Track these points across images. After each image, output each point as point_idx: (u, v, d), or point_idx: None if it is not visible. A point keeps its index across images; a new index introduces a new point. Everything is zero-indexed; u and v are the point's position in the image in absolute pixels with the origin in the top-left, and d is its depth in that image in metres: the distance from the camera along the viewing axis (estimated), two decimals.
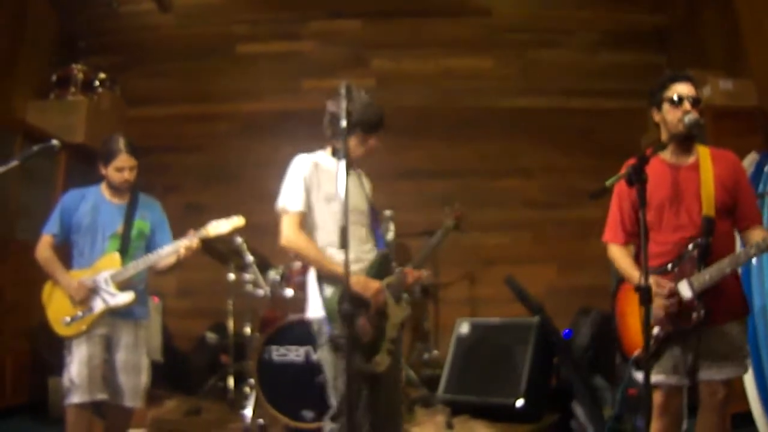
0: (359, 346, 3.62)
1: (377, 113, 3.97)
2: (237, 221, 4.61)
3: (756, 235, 3.54)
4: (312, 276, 3.88)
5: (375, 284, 3.81)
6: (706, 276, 3.43)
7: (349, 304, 3.22)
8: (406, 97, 8.08)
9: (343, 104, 3.44)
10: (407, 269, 4.10)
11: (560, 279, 7.80)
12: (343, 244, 3.17)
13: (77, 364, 4.28)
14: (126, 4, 8.15)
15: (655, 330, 3.53)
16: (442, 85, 8.30)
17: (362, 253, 3.94)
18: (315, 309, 3.83)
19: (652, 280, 3.48)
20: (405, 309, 4.04)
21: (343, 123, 3.40)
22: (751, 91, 6.23)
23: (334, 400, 3.75)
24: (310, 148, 4.09)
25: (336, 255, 3.70)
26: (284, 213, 3.83)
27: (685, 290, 3.47)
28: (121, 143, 4.51)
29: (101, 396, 4.32)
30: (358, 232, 3.95)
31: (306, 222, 3.87)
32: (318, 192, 3.86)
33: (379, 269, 3.94)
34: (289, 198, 3.83)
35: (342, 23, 8.43)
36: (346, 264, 3.20)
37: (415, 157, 8.09)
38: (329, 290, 3.75)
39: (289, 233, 3.79)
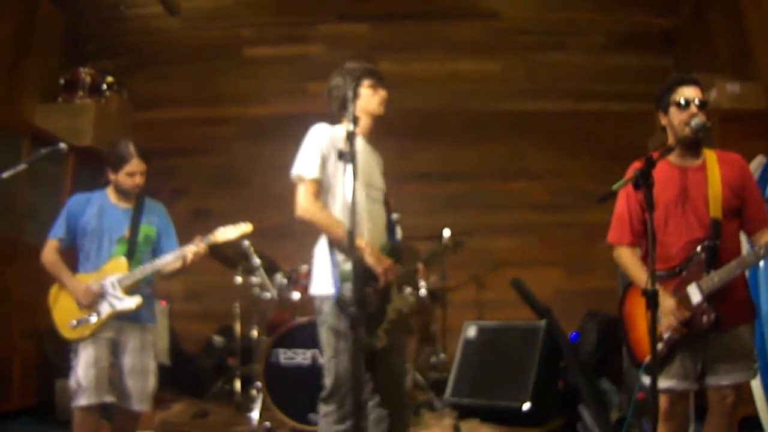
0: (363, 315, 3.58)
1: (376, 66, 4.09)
2: (244, 228, 4.61)
3: (765, 236, 3.53)
4: (321, 249, 3.83)
5: (388, 261, 3.74)
6: (715, 278, 3.42)
7: (360, 271, 3.21)
8: (413, 100, 8.08)
9: (351, 108, 3.44)
10: (419, 265, 4.11)
11: (567, 282, 7.80)
12: (351, 219, 3.13)
13: (84, 367, 4.28)
14: (134, 8, 8.17)
15: (666, 334, 3.52)
16: (449, 87, 8.31)
17: (378, 228, 3.91)
18: (319, 285, 3.78)
19: (673, 303, 3.47)
20: (407, 299, 4.02)
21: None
22: (758, 94, 6.21)
23: (328, 381, 3.70)
24: None
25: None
26: (300, 181, 3.76)
27: (694, 294, 3.46)
28: (132, 148, 4.52)
29: (108, 398, 4.33)
30: (375, 208, 3.92)
31: (322, 191, 3.79)
32: (335, 161, 3.74)
33: (388, 256, 3.88)
34: (305, 165, 3.77)
35: (349, 26, 8.44)
36: (350, 245, 3.15)
37: (422, 160, 8.10)
38: (341, 256, 3.69)
39: (304, 202, 3.72)
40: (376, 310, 3.73)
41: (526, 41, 8.31)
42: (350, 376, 3.36)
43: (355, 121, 3.25)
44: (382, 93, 4.01)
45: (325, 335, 3.75)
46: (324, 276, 3.76)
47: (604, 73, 8.23)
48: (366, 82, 3.96)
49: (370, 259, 3.64)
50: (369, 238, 3.77)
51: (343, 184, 3.67)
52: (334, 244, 3.74)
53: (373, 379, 3.76)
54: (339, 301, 3.61)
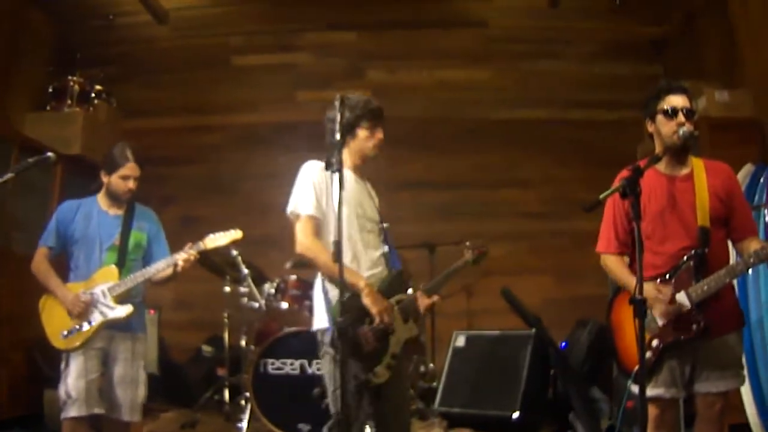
0: (360, 354, 3.59)
1: (378, 104, 3.97)
2: (234, 234, 4.60)
3: (753, 244, 3.52)
4: (318, 286, 3.84)
5: (385, 303, 3.73)
6: (704, 286, 3.42)
7: (354, 302, 3.20)
8: (402, 109, 8.08)
9: (338, 117, 3.43)
10: (419, 293, 4.05)
11: (557, 290, 7.79)
12: (337, 257, 3.14)
13: (74, 378, 4.25)
14: (123, 16, 8.17)
15: (655, 342, 3.52)
16: (438, 96, 8.31)
17: (375, 259, 3.91)
18: (319, 320, 3.79)
19: (652, 286, 3.47)
20: (412, 329, 3.98)
21: (338, 136, 3.38)
22: (746, 103, 6.22)
23: (333, 411, 3.70)
24: (305, 160, 4.09)
25: (350, 264, 3.70)
26: (296, 218, 3.78)
27: (683, 302, 3.46)
28: (129, 152, 4.51)
29: (98, 410, 4.29)
30: (370, 240, 3.92)
31: (319, 228, 3.80)
32: (328, 198, 3.78)
33: (390, 286, 3.88)
34: (300, 202, 3.77)
35: (337, 35, 8.45)
36: (340, 274, 3.17)
37: (412, 169, 8.10)
38: (335, 291, 3.65)
39: (305, 240, 3.73)
40: (374, 348, 3.71)
41: (516, 50, 8.34)
42: (347, 407, 3.38)
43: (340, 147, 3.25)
44: (379, 135, 3.97)
45: (327, 366, 3.76)
46: (322, 311, 3.78)
47: (594, 81, 8.25)
48: (364, 123, 3.91)
49: (366, 300, 3.64)
50: (366, 270, 3.80)
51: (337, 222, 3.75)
52: (331, 282, 3.75)
53: (374, 414, 3.73)
54: (334, 343, 3.60)
